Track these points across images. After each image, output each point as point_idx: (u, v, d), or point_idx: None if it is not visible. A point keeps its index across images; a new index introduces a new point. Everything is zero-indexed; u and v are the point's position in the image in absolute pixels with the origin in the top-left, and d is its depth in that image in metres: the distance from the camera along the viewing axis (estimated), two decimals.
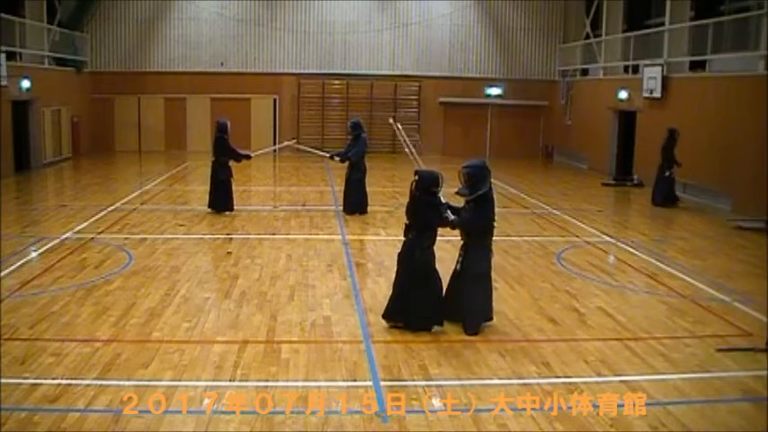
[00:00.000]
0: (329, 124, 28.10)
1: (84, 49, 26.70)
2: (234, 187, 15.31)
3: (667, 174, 17.04)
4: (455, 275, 8.16)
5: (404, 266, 8.04)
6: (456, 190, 7.98)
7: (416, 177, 7.92)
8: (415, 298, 7.93)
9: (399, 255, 8.12)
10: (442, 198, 7.99)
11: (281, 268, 10.71)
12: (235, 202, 15.19)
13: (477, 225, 7.96)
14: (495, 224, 8.15)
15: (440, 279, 8.06)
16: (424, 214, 7.95)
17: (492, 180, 8.01)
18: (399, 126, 9.86)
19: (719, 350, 7.53)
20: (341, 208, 15.46)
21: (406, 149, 9.27)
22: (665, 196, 17.12)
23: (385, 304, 8.25)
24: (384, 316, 8.14)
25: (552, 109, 28.93)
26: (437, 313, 8.02)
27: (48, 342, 7.40)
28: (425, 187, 7.88)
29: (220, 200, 14.98)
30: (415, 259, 7.93)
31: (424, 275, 7.94)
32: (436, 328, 7.99)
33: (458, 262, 8.18)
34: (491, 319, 8.22)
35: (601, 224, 14.89)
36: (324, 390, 6.42)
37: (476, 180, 7.83)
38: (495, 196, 8.05)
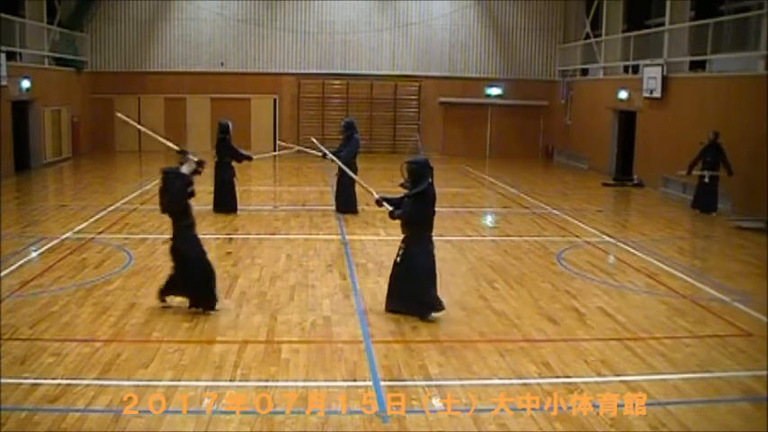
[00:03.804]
0: (329, 124, 28.04)
1: (84, 49, 26.70)
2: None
3: (706, 180, 16.08)
4: (396, 267, 8.48)
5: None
6: (400, 182, 8.40)
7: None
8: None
9: None
10: (375, 193, 8.56)
11: (281, 268, 10.71)
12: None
13: (415, 218, 8.26)
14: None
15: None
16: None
17: (432, 178, 8.26)
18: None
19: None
20: None
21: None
22: (704, 202, 16.23)
23: (385, 303, 8.60)
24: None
25: (552, 109, 28.93)
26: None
27: (48, 342, 7.40)
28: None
29: (225, 201, 14.98)
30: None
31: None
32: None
33: (398, 255, 8.46)
34: (443, 309, 8.45)
35: (601, 224, 14.90)
36: (324, 390, 6.42)
37: (417, 175, 8.19)
38: (435, 192, 8.36)
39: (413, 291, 8.31)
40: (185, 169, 8.31)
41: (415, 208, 8.20)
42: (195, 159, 8.41)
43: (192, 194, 8.32)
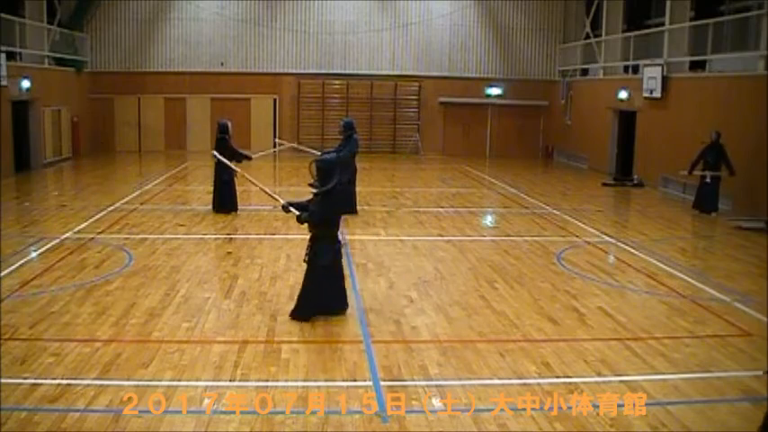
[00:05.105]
0: (329, 124, 28.08)
1: (84, 49, 26.71)
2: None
3: (708, 180, 15.98)
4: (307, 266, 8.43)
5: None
6: (309, 182, 8.30)
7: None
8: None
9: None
10: (281, 199, 8.47)
11: (281, 268, 10.70)
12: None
13: (324, 218, 8.20)
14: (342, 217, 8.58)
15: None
16: None
17: (339, 176, 8.18)
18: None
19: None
20: None
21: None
22: (705, 202, 16.09)
23: (384, 304, 8.45)
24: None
25: (552, 109, 28.94)
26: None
27: (48, 342, 7.40)
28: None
29: (225, 201, 14.98)
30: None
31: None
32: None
33: (306, 254, 8.40)
34: (343, 311, 8.41)
35: (601, 224, 14.89)
36: (324, 390, 6.42)
37: (325, 174, 8.11)
38: (343, 191, 8.41)
39: (311, 290, 8.26)
40: None
41: (322, 207, 8.14)
42: None
43: None
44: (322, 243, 8.24)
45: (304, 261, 8.40)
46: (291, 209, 8.37)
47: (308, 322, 8.19)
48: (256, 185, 9.77)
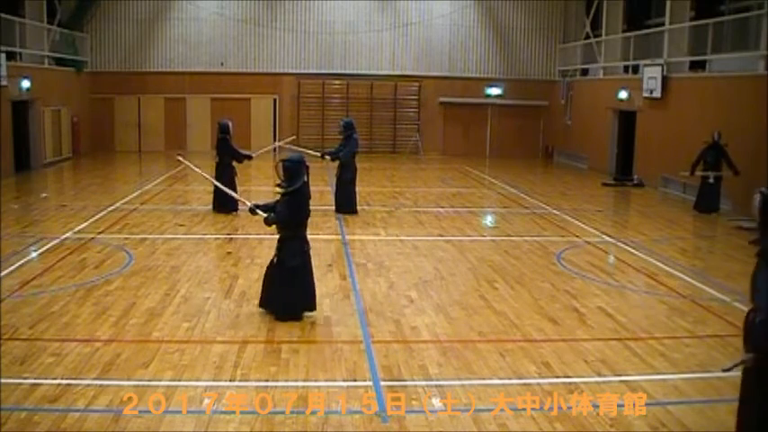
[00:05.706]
0: (329, 124, 28.05)
1: (84, 49, 26.70)
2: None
3: (711, 180, 16.02)
4: (272, 266, 8.38)
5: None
6: (276, 183, 8.27)
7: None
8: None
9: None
10: (247, 202, 8.46)
11: None
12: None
13: (292, 218, 8.17)
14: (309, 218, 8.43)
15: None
16: None
17: (306, 177, 8.15)
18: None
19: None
20: None
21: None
22: (706, 203, 16.15)
23: (384, 304, 8.43)
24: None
25: (552, 109, 28.94)
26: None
27: (48, 342, 7.39)
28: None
29: (225, 201, 14.96)
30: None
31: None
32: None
33: (275, 255, 8.37)
34: (311, 309, 8.38)
35: (601, 224, 14.89)
36: (324, 390, 6.42)
37: (291, 174, 8.09)
38: (310, 191, 8.25)
39: (283, 291, 8.23)
40: None
41: (289, 208, 8.09)
42: None
43: None
44: (290, 244, 8.21)
45: (272, 262, 8.35)
46: (258, 211, 8.32)
47: (308, 322, 8.20)
48: (221, 188, 9.77)
